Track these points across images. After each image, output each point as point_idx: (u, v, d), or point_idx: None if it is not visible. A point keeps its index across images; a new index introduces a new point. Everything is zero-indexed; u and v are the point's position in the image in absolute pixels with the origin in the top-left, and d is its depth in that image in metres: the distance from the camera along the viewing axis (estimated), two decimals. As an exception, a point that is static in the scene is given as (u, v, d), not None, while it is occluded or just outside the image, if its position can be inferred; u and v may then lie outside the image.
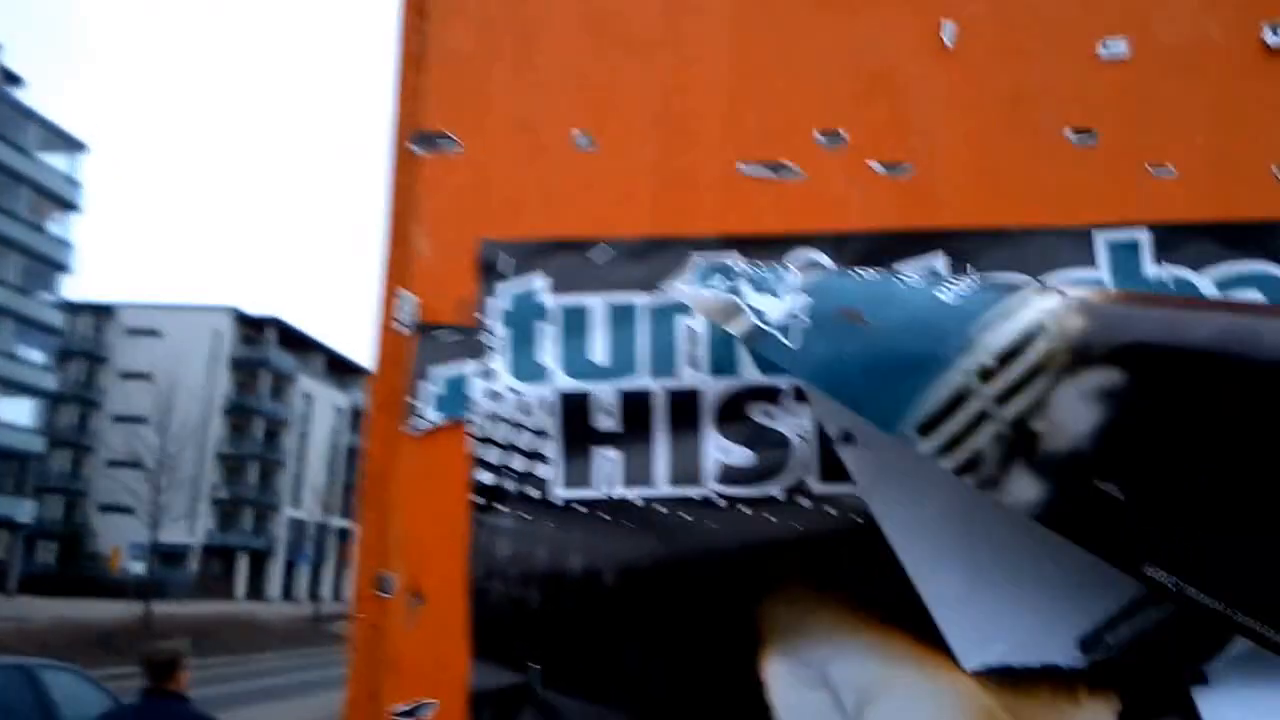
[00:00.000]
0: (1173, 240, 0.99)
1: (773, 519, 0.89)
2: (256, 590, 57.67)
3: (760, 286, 0.50)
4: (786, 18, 1.00)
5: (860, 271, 0.50)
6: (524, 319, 0.94)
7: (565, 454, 0.91)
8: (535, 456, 0.91)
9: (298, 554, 58.87)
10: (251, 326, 60.43)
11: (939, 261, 0.92)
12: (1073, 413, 0.39)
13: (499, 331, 0.93)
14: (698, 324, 0.97)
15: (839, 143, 0.99)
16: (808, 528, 0.89)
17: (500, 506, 0.89)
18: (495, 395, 0.92)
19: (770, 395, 0.93)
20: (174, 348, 52.59)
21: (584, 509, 0.90)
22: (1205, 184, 1.01)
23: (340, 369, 70.61)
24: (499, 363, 0.93)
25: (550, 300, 0.95)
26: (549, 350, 0.93)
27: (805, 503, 0.92)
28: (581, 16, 1.00)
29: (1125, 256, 0.97)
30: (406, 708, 0.76)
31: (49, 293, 45.01)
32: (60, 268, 45.37)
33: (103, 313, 57.00)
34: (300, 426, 62.30)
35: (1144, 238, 0.99)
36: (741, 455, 0.90)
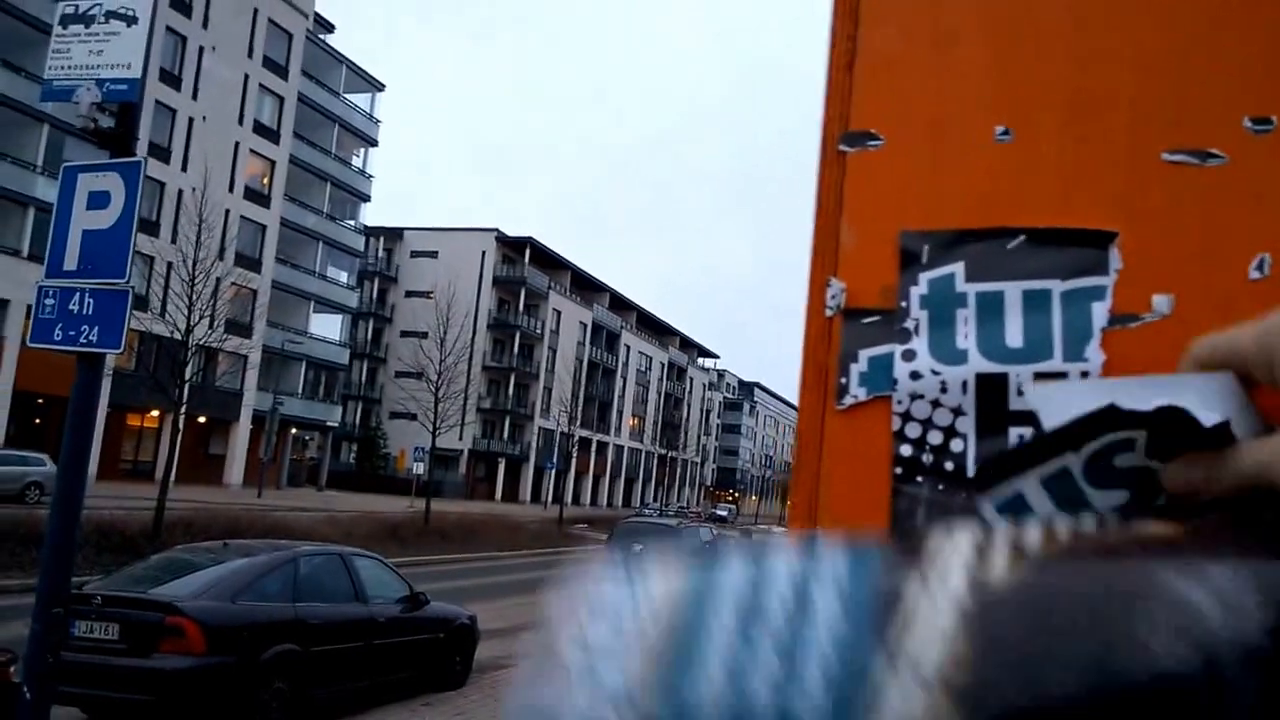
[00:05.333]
0: None
1: None
2: (511, 493, 63.25)
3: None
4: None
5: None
6: (942, 304, 1.01)
7: (978, 431, 0.97)
8: (951, 433, 0.98)
9: (545, 461, 63.81)
10: (510, 247, 64.89)
11: None
12: None
13: (919, 316, 1.01)
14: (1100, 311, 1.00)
15: (1267, 128, 0.96)
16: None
17: (918, 478, 0.97)
18: (916, 375, 1.00)
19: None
20: (448, 267, 57.72)
21: (995, 483, 0.97)
22: None
23: (584, 285, 74.36)
24: (919, 345, 1.01)
25: (966, 286, 1.02)
26: (965, 333, 1.00)
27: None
28: (993, 14, 1.03)
29: None
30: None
31: (352, 219, 50.78)
32: (361, 197, 50.95)
33: (392, 236, 63.61)
34: (550, 341, 66.71)
35: None
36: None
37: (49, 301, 5.05)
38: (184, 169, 37.58)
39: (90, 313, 5.08)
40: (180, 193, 35.29)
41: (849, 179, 1.10)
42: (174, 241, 28.88)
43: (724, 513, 73.08)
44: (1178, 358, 0.96)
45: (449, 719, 8.76)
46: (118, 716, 7.39)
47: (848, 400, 1.05)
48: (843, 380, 1.06)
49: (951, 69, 1.08)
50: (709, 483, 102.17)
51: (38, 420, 33.89)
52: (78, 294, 5.09)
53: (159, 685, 7.08)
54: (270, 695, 7.65)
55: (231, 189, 40.27)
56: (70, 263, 5.10)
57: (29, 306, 5.49)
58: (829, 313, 1.07)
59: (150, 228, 34.06)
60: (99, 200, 5.15)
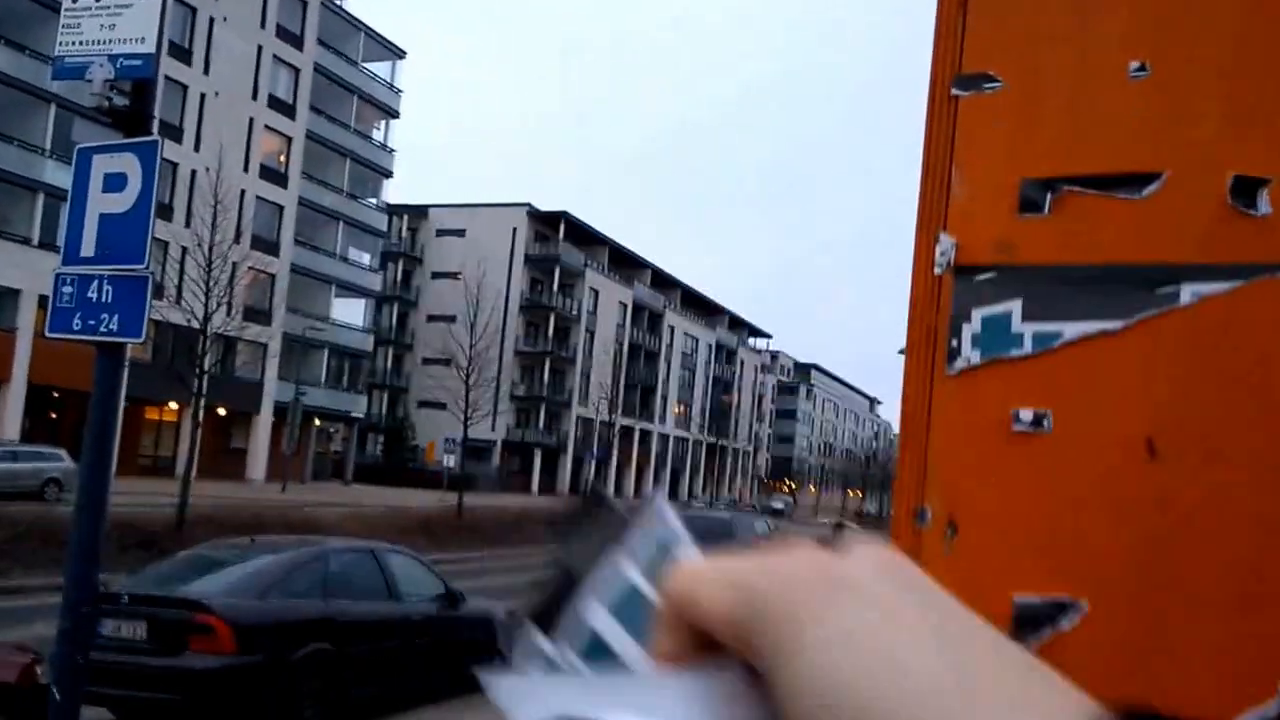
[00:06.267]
0: None
1: None
2: (548, 485, 63.63)
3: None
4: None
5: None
6: (1068, 260, 0.97)
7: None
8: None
9: (584, 451, 64.01)
10: (543, 222, 64.77)
11: None
12: None
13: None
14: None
15: None
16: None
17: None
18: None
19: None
20: (477, 246, 57.96)
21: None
22: None
23: (623, 262, 73.96)
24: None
25: (1095, 241, 0.98)
26: (1091, 290, 0.96)
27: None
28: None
29: None
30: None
31: (373, 197, 51.15)
32: (383, 173, 51.29)
33: (417, 214, 63.99)
34: (587, 323, 66.66)
35: None
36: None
37: (67, 290, 5.13)
38: (196, 148, 38.18)
39: (110, 300, 5.15)
40: (194, 173, 35.86)
41: (961, 125, 1.05)
42: (188, 225, 29.42)
43: (780, 505, 72.95)
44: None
45: (489, 724, 8.86)
46: (147, 717, 7.60)
47: (959, 364, 1.01)
48: (954, 343, 1.02)
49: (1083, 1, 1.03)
50: (762, 473, 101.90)
51: (53, 414, 34.83)
52: (96, 281, 5.16)
53: (189, 685, 7.27)
54: (303, 696, 7.81)
55: (246, 168, 40.82)
56: (88, 249, 5.17)
57: (41, 296, 5.61)
58: (938, 270, 1.02)
59: (163, 211, 34.64)
60: (115, 183, 5.20)
